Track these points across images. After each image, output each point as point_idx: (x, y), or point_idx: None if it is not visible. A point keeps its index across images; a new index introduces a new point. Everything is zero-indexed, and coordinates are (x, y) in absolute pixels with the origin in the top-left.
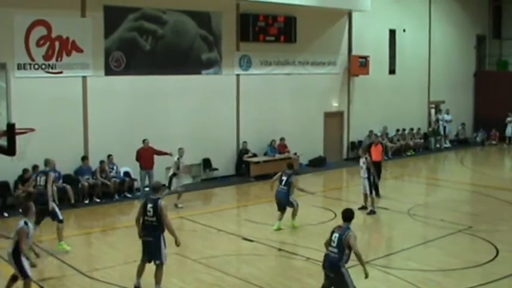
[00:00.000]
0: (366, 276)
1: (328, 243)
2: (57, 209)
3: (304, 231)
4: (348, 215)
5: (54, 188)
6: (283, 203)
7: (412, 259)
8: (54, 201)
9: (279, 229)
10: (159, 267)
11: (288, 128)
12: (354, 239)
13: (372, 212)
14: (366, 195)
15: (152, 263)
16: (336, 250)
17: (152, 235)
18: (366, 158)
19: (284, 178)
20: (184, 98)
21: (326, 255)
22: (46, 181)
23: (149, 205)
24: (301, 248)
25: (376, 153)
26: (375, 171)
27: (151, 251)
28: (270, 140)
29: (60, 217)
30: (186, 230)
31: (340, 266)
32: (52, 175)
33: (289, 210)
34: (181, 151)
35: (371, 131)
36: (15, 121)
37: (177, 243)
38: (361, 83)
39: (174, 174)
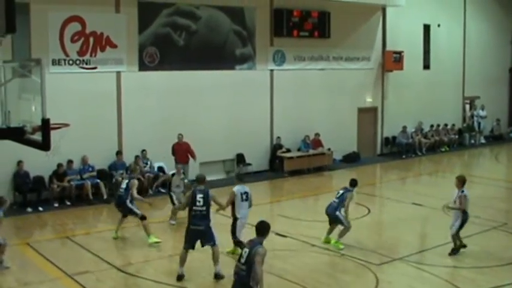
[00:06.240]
0: None
1: (238, 259)
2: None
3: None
4: (260, 228)
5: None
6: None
7: (446, 256)
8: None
9: None
10: (214, 248)
11: (322, 124)
12: (260, 256)
13: None
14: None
15: (206, 246)
16: (244, 267)
17: (203, 224)
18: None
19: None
20: (218, 93)
21: (235, 273)
22: None
23: (199, 196)
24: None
25: None
26: None
27: (204, 237)
28: (304, 136)
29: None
30: (218, 224)
31: (251, 286)
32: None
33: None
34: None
35: (404, 127)
36: (49, 116)
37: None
38: (395, 79)
39: None
